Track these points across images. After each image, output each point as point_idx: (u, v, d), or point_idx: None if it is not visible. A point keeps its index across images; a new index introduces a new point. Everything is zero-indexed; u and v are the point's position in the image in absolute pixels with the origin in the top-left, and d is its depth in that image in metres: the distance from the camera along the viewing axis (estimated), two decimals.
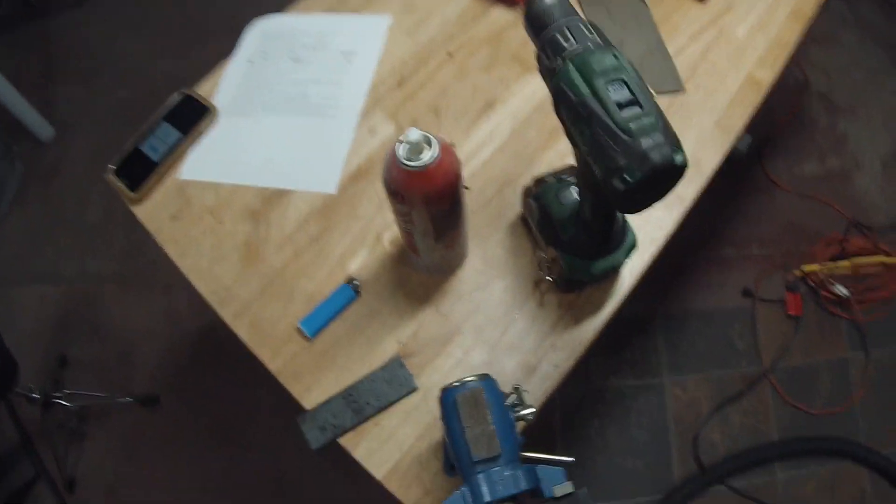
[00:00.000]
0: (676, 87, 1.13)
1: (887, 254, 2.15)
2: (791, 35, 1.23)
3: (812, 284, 2.10)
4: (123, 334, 2.07)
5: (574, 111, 0.63)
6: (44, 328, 2.10)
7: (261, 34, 1.20)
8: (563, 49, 0.64)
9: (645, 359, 2.00)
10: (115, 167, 1.04)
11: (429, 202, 0.71)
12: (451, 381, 0.66)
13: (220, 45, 2.61)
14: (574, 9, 0.67)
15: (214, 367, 1.99)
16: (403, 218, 0.75)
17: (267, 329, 0.87)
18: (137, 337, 2.06)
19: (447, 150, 0.69)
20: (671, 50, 1.17)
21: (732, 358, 2.00)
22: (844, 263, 2.11)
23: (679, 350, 2.01)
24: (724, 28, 1.22)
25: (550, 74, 0.66)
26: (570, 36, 0.64)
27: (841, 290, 2.06)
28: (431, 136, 0.68)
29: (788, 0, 1.29)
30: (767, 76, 1.17)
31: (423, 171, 0.67)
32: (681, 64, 1.16)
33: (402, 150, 0.67)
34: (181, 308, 2.09)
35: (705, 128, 1.09)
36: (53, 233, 2.29)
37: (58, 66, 2.77)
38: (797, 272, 2.12)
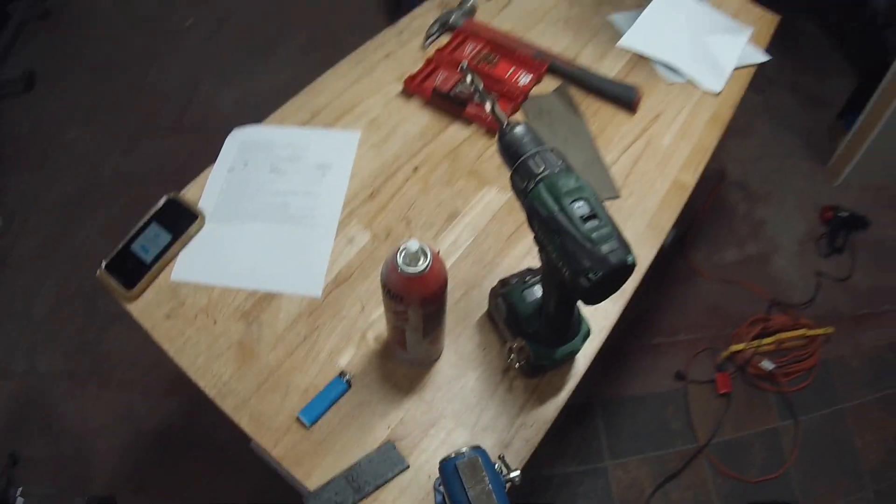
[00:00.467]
0: (613, 194, 1.29)
1: (809, 326, 2.31)
2: (711, 139, 1.43)
3: (739, 363, 2.23)
4: (78, 431, 2.04)
5: (545, 224, 0.77)
6: None
7: (240, 143, 1.31)
8: (535, 174, 0.78)
9: (586, 445, 2.06)
10: (105, 264, 1.12)
11: (424, 303, 0.83)
12: (437, 459, 0.78)
13: (170, 142, 2.72)
14: (541, 138, 0.82)
15: (174, 464, 1.98)
16: (399, 316, 0.87)
17: (267, 420, 0.96)
18: (93, 434, 2.03)
19: (438, 258, 0.82)
20: (607, 160, 1.34)
21: (668, 438, 2.09)
22: (768, 340, 2.25)
23: (618, 434, 2.09)
24: (652, 138, 1.41)
25: (523, 194, 0.80)
26: (540, 163, 0.78)
27: (767, 364, 2.20)
28: (426, 247, 0.80)
29: (708, 107, 1.50)
30: (691, 179, 1.35)
31: (420, 277, 0.79)
32: (615, 172, 1.33)
33: (402, 259, 0.79)
34: (137, 404, 2.07)
35: (639, 229, 1.25)
36: (2, 326, 2.26)
37: (6, 153, 2.77)
38: (724, 353, 2.25)
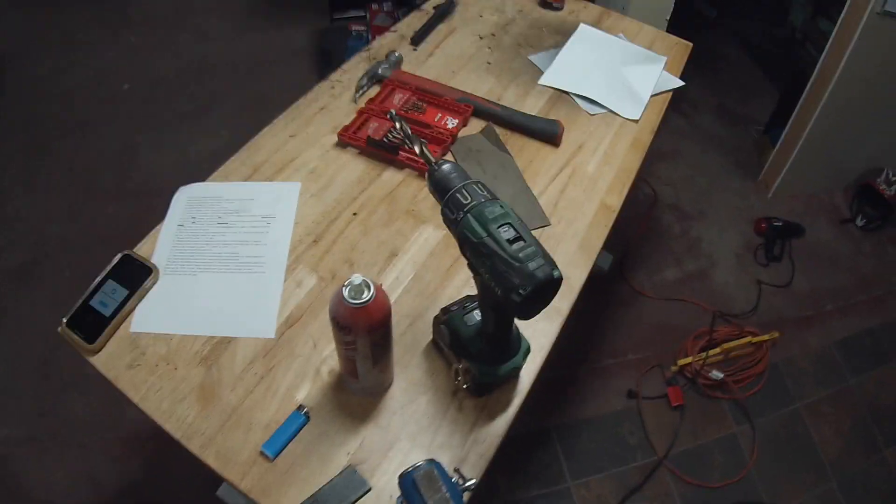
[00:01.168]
0: (543, 222, 1.38)
1: (753, 334, 2.42)
2: (633, 163, 1.54)
3: (689, 376, 2.32)
4: (42, 497, 2.02)
5: (476, 249, 0.85)
6: None
7: (187, 200, 1.37)
8: (463, 205, 0.86)
9: (547, 469, 2.12)
10: (66, 321, 1.15)
11: (370, 331, 0.90)
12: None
13: (113, 206, 2.74)
14: (467, 173, 0.90)
15: None
16: (348, 347, 0.93)
17: (232, 456, 1.01)
18: (58, 498, 2.01)
19: (380, 290, 0.89)
20: (535, 191, 1.44)
21: (627, 453, 2.15)
22: (715, 351, 2.36)
23: (577, 455, 2.14)
24: (577, 166, 1.51)
25: (454, 224, 0.88)
26: (467, 195, 0.87)
27: (716, 374, 2.30)
28: (369, 280, 0.87)
29: (629, 133, 1.62)
30: (616, 201, 1.45)
31: (365, 307, 0.86)
32: (544, 202, 1.42)
33: (347, 292, 0.86)
34: (100, 466, 2.06)
35: (570, 251, 1.34)
36: None
37: None
38: (674, 367, 2.34)
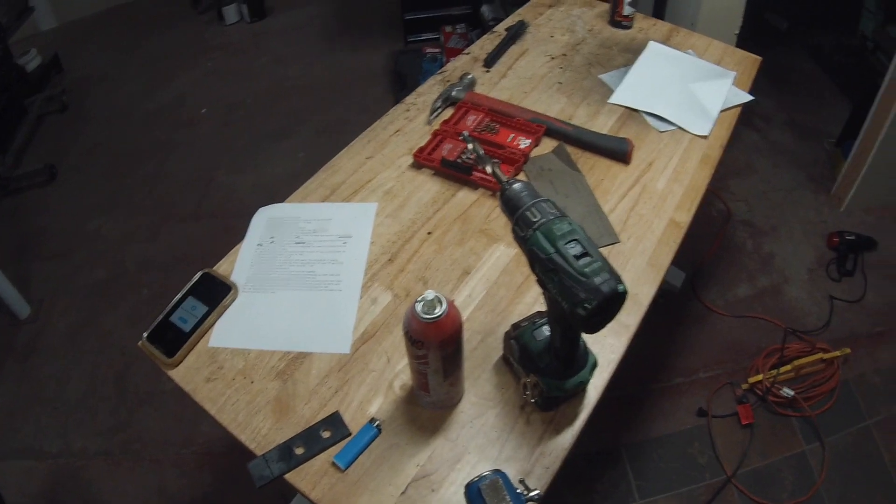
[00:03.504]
0: (613, 240, 1.39)
1: (825, 350, 2.36)
2: (702, 179, 1.54)
3: (760, 393, 2.28)
4: None
5: (544, 265, 0.87)
6: (31, 503, 2.10)
7: (266, 221, 1.42)
8: (532, 222, 0.88)
9: (615, 487, 2.10)
10: (147, 335, 1.21)
11: (442, 345, 0.93)
12: None
13: (190, 228, 2.83)
14: (537, 191, 0.92)
15: None
16: (420, 361, 0.96)
17: (305, 466, 1.04)
18: None
19: (452, 305, 0.92)
20: (605, 209, 1.45)
21: (696, 472, 2.12)
22: (786, 368, 2.31)
23: (646, 475, 2.13)
24: (647, 184, 1.51)
25: (524, 241, 0.90)
26: (536, 213, 0.89)
27: (787, 391, 2.25)
28: (441, 296, 0.90)
29: (698, 150, 1.61)
30: (685, 217, 1.45)
31: (437, 322, 0.89)
32: (614, 219, 1.43)
33: (420, 307, 0.89)
34: (170, 480, 2.13)
35: (639, 267, 1.34)
36: (33, 410, 2.32)
37: (31, 244, 2.89)
38: (744, 385, 2.30)
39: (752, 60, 1.93)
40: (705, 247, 2.74)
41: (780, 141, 3.34)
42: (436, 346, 0.92)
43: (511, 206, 0.94)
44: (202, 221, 2.94)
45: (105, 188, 3.13)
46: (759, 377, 2.30)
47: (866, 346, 2.46)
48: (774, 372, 2.31)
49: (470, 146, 1.06)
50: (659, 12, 2.78)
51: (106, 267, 2.76)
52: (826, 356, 2.35)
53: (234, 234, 1.41)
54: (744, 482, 2.10)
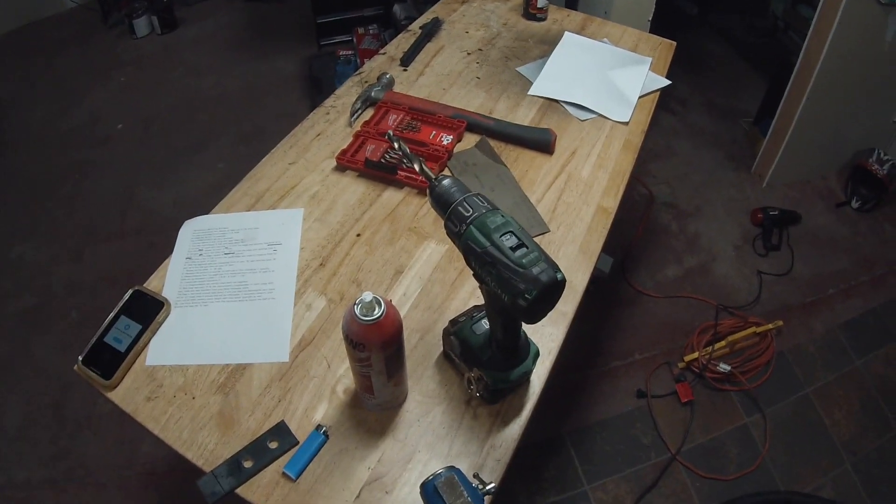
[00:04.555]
0: (543, 229, 1.40)
1: (758, 324, 2.45)
2: (626, 164, 1.58)
3: (696, 371, 2.34)
4: None
5: (481, 259, 0.87)
6: None
7: (192, 233, 1.39)
8: (465, 217, 0.89)
9: (563, 474, 2.14)
10: (81, 358, 1.17)
11: (384, 346, 0.92)
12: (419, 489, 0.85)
13: (114, 247, 2.76)
14: (466, 187, 0.93)
15: None
16: (362, 364, 0.95)
17: (255, 479, 1.02)
18: None
19: (390, 305, 0.92)
20: (533, 199, 1.47)
21: (641, 453, 2.17)
22: (721, 344, 2.38)
23: (591, 458, 2.17)
24: (572, 172, 1.54)
25: (458, 236, 0.90)
26: (468, 207, 0.89)
27: (723, 367, 2.32)
28: (379, 297, 0.90)
29: (620, 136, 1.65)
30: (612, 203, 1.48)
31: (377, 323, 0.89)
32: (542, 209, 1.45)
33: (359, 310, 0.88)
34: None
35: (571, 255, 1.36)
36: None
37: None
38: (681, 364, 2.36)
39: (666, 46, 1.98)
40: (631, 231, 2.80)
41: (698, 123, 3.43)
42: (377, 347, 0.92)
43: (442, 203, 0.94)
44: (126, 239, 2.87)
45: (24, 213, 3.03)
46: (695, 355, 2.36)
47: (799, 317, 2.56)
48: (709, 349, 2.37)
49: (396, 145, 1.05)
50: (572, 3, 2.82)
51: (32, 293, 2.68)
52: (759, 329, 2.43)
53: (160, 250, 1.38)
54: (689, 458, 2.15)
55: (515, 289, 0.84)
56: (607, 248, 1.44)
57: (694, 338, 2.44)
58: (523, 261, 0.85)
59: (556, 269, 0.86)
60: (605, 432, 2.23)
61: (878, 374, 2.40)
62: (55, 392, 2.33)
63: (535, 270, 0.84)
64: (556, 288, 0.86)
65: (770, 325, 2.44)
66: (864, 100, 2.80)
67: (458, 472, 0.86)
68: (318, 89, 3.42)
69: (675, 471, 2.14)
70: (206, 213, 1.44)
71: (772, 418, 2.25)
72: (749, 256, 2.78)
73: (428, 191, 0.96)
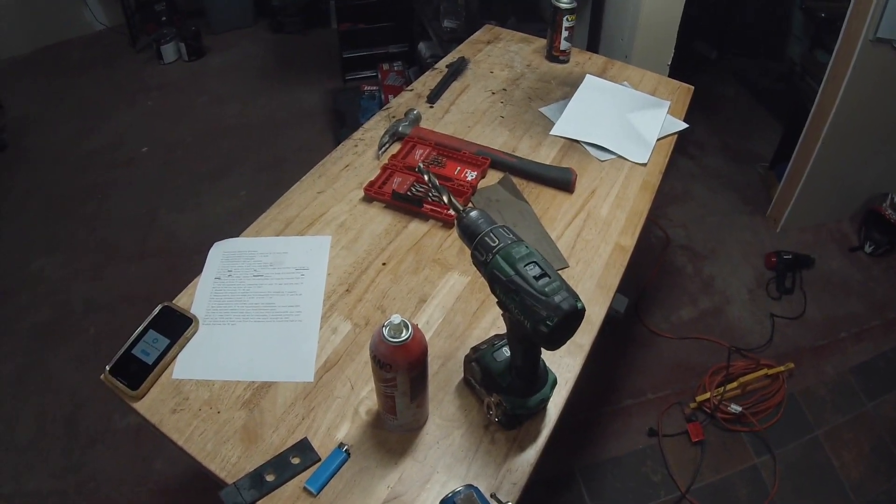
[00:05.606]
0: (562, 264, 1.44)
1: (769, 367, 2.46)
2: (644, 204, 1.62)
3: (708, 411, 2.36)
4: None
5: (505, 287, 0.91)
6: None
7: (222, 254, 1.44)
8: (491, 247, 0.93)
9: None
10: (109, 368, 1.21)
11: (410, 368, 0.96)
12: None
13: (134, 268, 2.79)
14: (493, 219, 0.97)
15: None
16: (387, 384, 0.99)
17: (277, 493, 1.06)
18: None
19: (417, 329, 0.96)
20: (553, 235, 1.51)
21: (651, 490, 2.18)
22: (732, 385, 2.39)
23: (602, 495, 2.17)
24: (591, 211, 1.58)
25: (484, 265, 0.95)
26: (494, 238, 0.94)
27: (735, 408, 2.34)
28: (406, 320, 0.94)
29: (638, 177, 1.69)
30: (630, 241, 1.52)
31: (405, 345, 0.93)
32: (562, 245, 1.49)
33: (387, 331, 0.93)
34: None
35: (588, 290, 1.40)
36: None
37: None
38: (692, 404, 2.38)
39: (684, 89, 2.03)
40: (646, 273, 2.83)
41: (715, 166, 3.47)
42: (404, 368, 0.96)
43: (469, 233, 0.98)
44: (146, 260, 2.92)
45: (47, 228, 3.08)
46: (707, 395, 2.37)
47: (810, 360, 2.57)
48: (721, 389, 2.38)
49: (426, 177, 1.11)
50: (594, 46, 2.88)
51: (51, 308, 2.72)
52: (770, 371, 2.44)
53: (180, 272, 1.42)
54: (699, 498, 2.16)
55: (538, 315, 0.89)
56: (623, 288, 1.47)
57: (706, 378, 2.46)
58: (546, 289, 0.89)
59: (577, 298, 0.90)
60: (616, 469, 2.24)
61: (889, 417, 2.41)
62: (69, 406, 2.36)
63: (557, 299, 0.89)
64: (576, 316, 0.91)
65: (781, 368, 2.46)
66: (879, 145, 2.83)
67: (477, 490, 0.89)
68: (341, 122, 3.49)
69: None
70: (228, 238, 1.49)
71: (781, 459, 2.26)
72: (762, 299, 2.80)
73: (455, 221, 1.01)
